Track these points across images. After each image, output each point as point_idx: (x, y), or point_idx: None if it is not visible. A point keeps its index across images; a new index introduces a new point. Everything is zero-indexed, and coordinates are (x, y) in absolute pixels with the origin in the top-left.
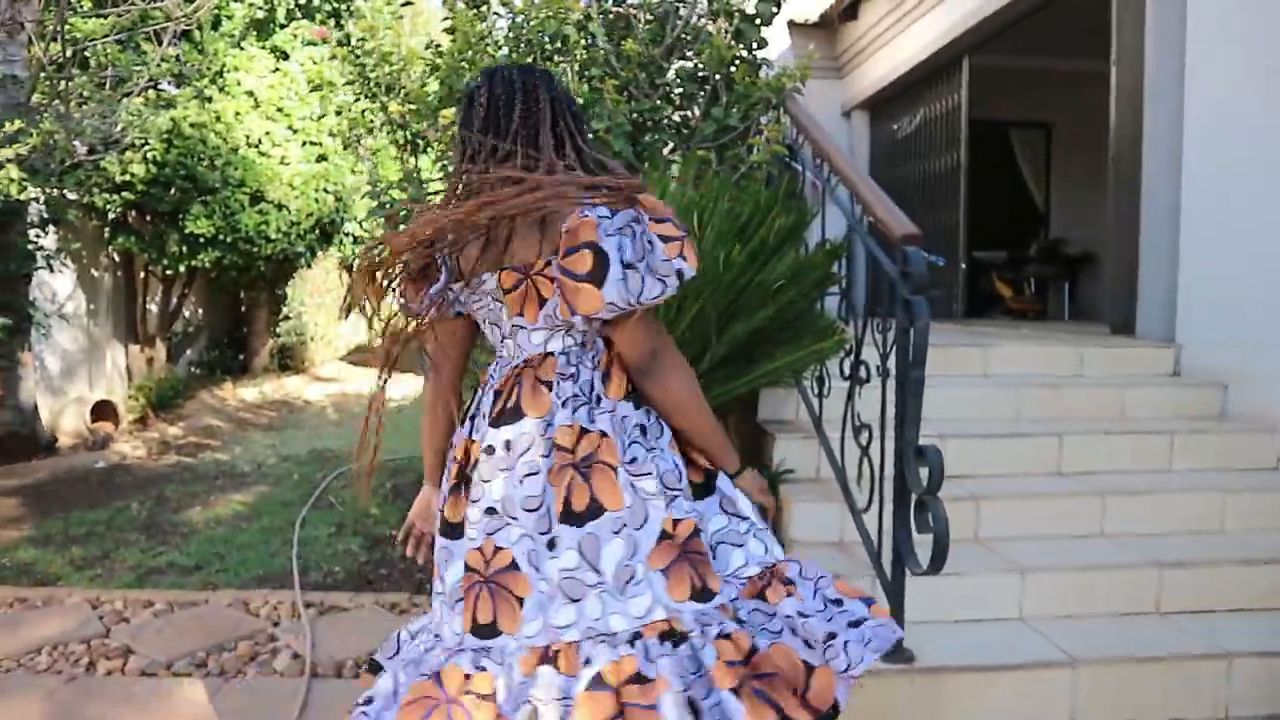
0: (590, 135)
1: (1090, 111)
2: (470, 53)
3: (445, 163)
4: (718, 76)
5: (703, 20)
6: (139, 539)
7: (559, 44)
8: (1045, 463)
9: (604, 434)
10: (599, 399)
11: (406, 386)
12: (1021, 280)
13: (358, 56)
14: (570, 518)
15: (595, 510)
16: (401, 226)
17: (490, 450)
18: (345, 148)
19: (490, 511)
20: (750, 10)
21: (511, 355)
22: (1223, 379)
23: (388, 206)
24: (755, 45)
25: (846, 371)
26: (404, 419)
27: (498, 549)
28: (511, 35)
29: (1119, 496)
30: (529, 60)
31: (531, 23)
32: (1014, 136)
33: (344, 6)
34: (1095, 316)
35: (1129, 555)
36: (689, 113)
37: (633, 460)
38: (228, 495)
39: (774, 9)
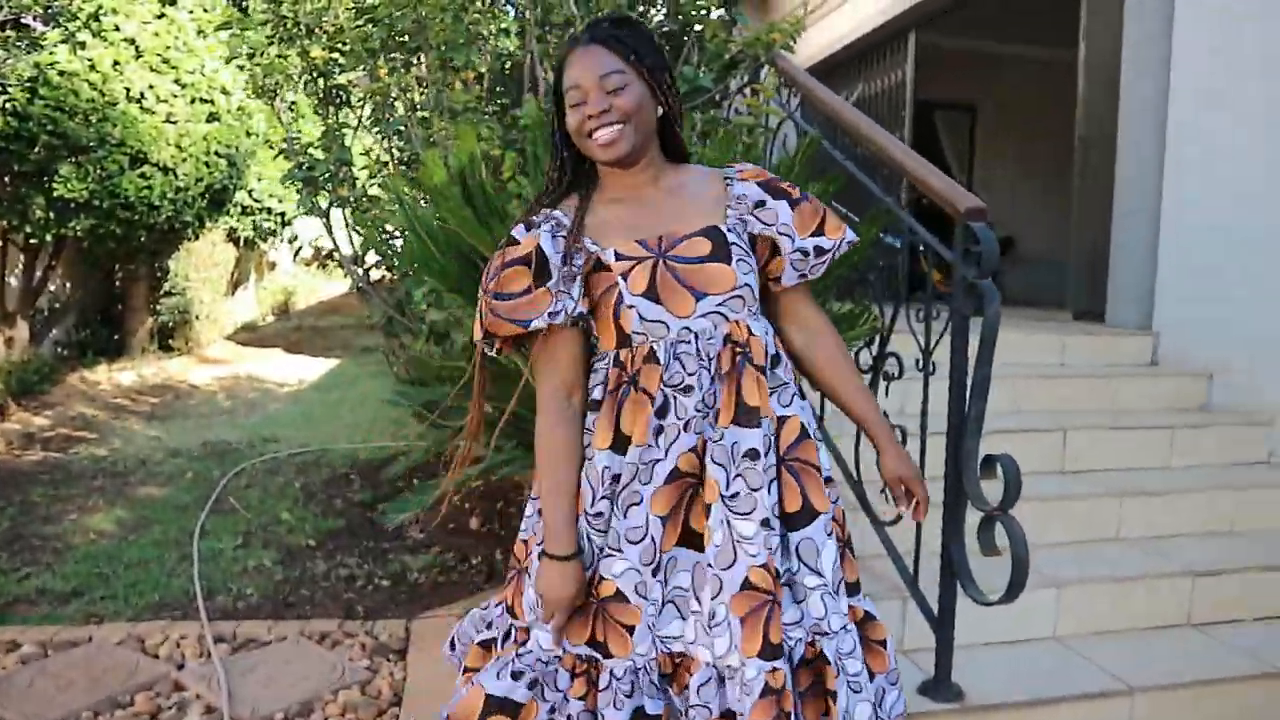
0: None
1: (1014, 94)
2: None
3: (382, 117)
4: (687, 33)
5: None
6: (0, 557)
7: None
8: (1050, 460)
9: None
10: None
11: (306, 368)
12: (949, 263)
13: None
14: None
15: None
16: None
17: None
18: (258, 97)
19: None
20: None
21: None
22: (1206, 369)
23: (305, 168)
24: (729, 1)
25: (865, 363)
26: (315, 404)
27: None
28: None
29: (1133, 498)
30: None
31: None
32: (938, 118)
33: None
34: (1020, 300)
35: (1159, 563)
36: None
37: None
38: (109, 499)
39: None
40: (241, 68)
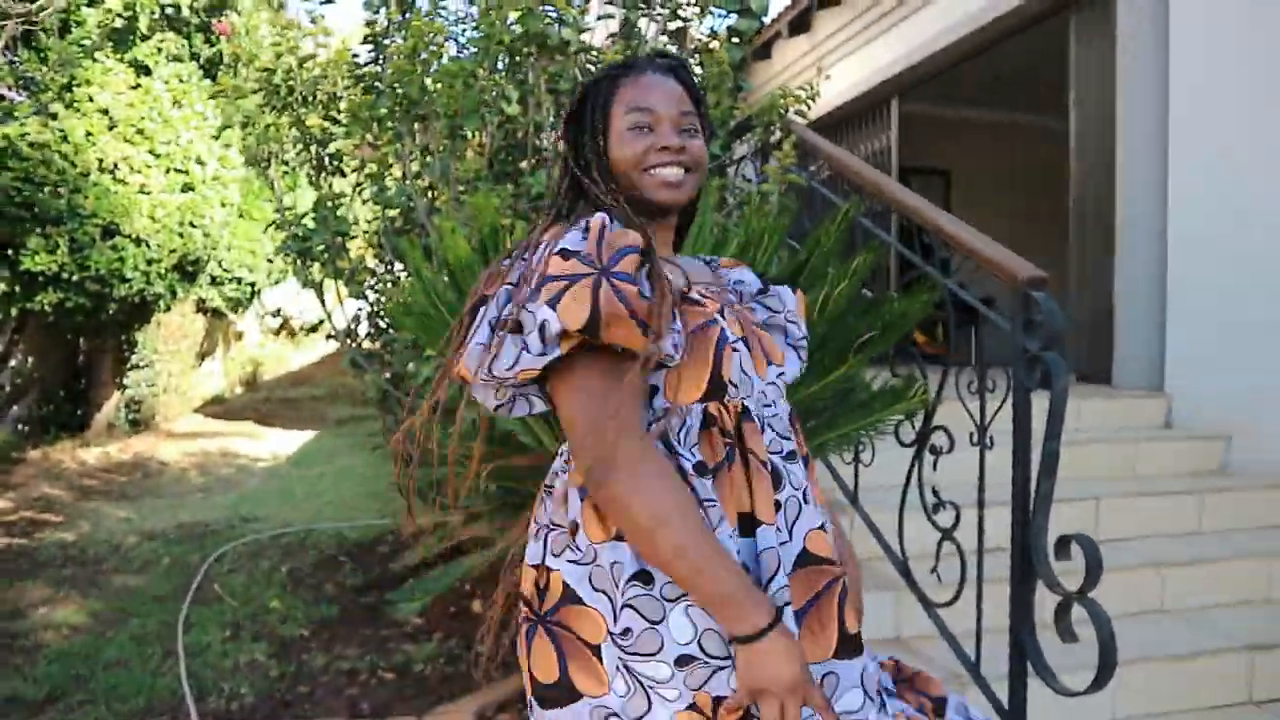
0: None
1: (986, 158)
2: (423, 54)
3: (381, 186)
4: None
5: (665, 38)
6: None
7: (532, 48)
8: (1083, 529)
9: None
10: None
11: (280, 442)
12: (932, 325)
13: (261, 59)
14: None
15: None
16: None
17: None
18: (248, 166)
19: None
20: (725, 28)
21: None
22: (1224, 431)
23: (300, 239)
24: (735, 66)
25: (907, 437)
26: (294, 481)
27: None
28: (482, 34)
29: (1173, 568)
30: (488, 66)
31: (506, 20)
32: (913, 183)
33: (215, 20)
34: (1008, 361)
35: (1213, 638)
36: None
37: (625, 631)
38: (80, 589)
39: (756, 24)
40: (216, 138)
